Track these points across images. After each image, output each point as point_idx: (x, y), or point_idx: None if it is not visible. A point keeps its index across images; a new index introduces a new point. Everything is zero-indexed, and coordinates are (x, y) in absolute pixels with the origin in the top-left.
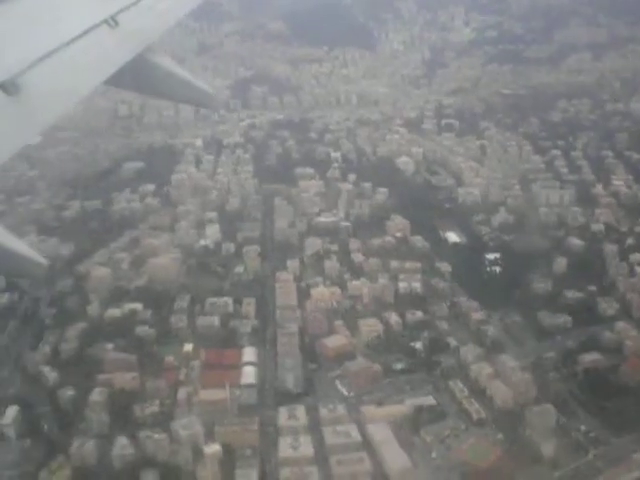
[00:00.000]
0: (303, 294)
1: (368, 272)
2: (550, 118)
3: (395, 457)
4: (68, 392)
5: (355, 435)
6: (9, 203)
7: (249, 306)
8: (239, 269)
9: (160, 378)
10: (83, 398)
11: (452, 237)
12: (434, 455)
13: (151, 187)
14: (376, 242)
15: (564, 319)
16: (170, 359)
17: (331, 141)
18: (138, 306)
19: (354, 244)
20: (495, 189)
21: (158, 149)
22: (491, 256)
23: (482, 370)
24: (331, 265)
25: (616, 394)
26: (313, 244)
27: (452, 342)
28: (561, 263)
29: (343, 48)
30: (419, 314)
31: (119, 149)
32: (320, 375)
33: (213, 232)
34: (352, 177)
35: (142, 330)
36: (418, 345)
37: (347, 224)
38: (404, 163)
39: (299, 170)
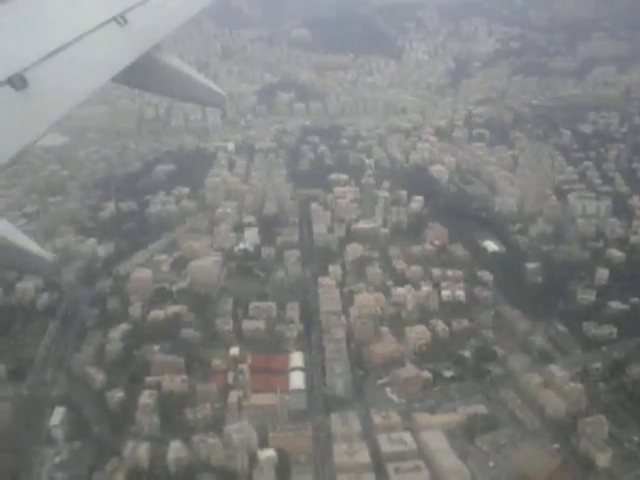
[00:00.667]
0: (346, 300)
1: (411, 279)
2: (580, 129)
3: (452, 466)
4: (116, 394)
5: (410, 443)
6: (42, 202)
7: (293, 311)
8: (280, 273)
9: (209, 381)
10: (132, 400)
11: (491, 246)
12: (492, 464)
13: (185, 190)
14: (416, 249)
15: (609, 330)
16: (217, 362)
17: (363, 148)
18: (182, 308)
19: (394, 251)
20: (530, 199)
21: (189, 152)
22: (532, 265)
23: (532, 379)
24: (373, 271)
25: None
26: (354, 250)
27: (499, 351)
28: (603, 274)
29: (368, 56)
30: (465, 322)
31: (149, 151)
32: (368, 381)
33: (252, 236)
34: (386, 184)
35: (187, 333)
36: (466, 353)
37: (386, 231)
38: (438, 171)
39: (333, 176)
